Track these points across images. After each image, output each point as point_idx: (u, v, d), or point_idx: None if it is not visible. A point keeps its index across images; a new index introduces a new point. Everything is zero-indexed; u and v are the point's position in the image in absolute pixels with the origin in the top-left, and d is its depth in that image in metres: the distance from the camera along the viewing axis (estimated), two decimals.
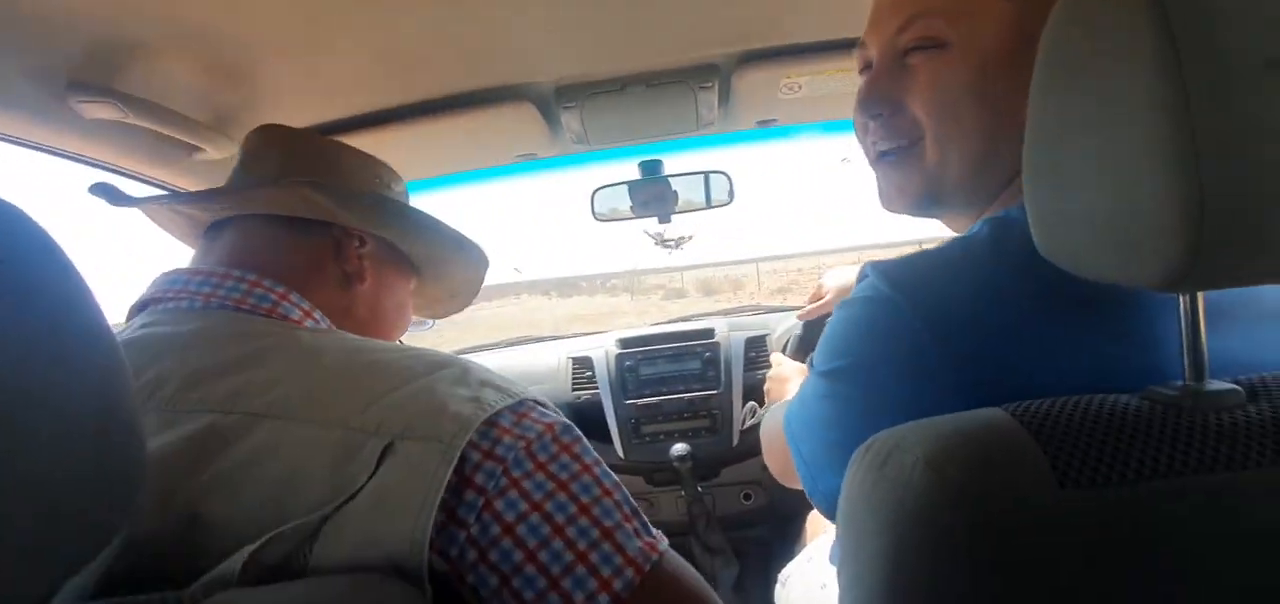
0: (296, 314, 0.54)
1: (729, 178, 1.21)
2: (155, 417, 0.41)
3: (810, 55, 0.93)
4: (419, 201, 0.76)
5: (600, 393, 1.49)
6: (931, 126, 0.51)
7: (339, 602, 0.34)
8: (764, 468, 1.57)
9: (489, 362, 1.66)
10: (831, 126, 1.16)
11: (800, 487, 0.56)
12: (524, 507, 0.40)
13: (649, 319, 1.61)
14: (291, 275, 0.55)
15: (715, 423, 1.48)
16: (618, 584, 0.40)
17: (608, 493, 0.43)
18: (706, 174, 1.23)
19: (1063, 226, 0.38)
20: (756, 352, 1.53)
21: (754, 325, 1.60)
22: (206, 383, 0.42)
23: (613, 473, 0.45)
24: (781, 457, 0.65)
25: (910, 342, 0.44)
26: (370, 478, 0.37)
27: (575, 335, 1.76)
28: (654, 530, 0.45)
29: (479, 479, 0.39)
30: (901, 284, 0.45)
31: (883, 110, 0.54)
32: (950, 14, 0.49)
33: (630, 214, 1.26)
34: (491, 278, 0.79)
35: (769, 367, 1.52)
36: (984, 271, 0.45)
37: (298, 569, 0.36)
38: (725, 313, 1.79)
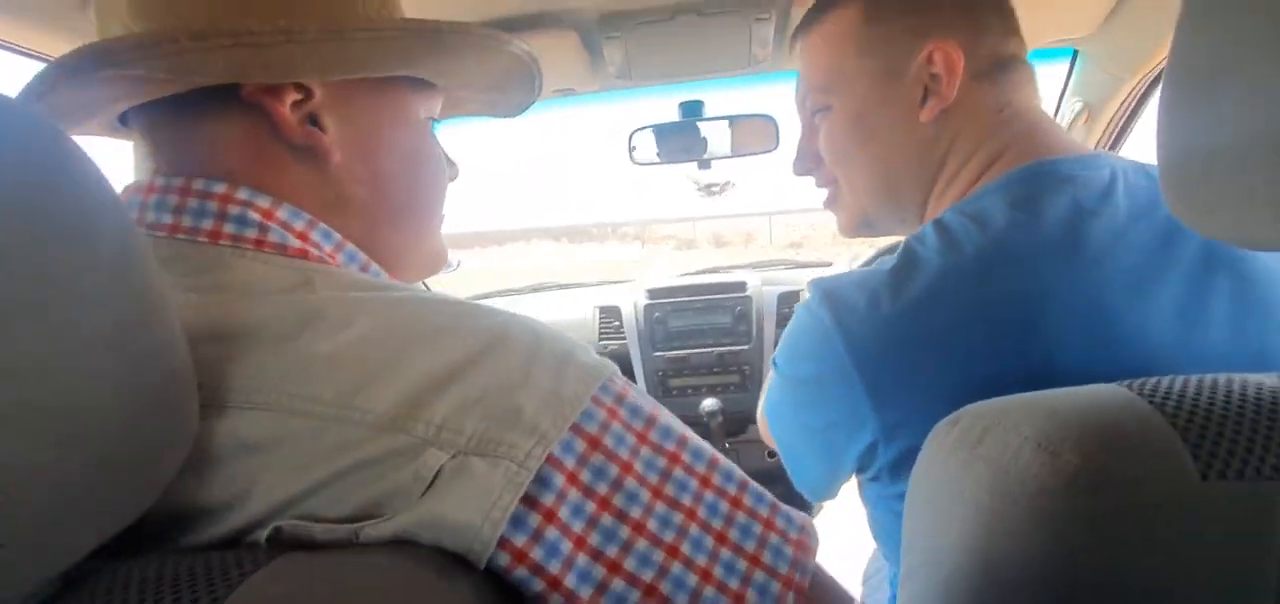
0: (294, 241, 0.40)
1: (776, 123, 1.14)
2: None
3: None
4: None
5: (628, 343, 1.46)
6: (839, 172, 0.63)
7: (397, 584, 0.30)
8: None
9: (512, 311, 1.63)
10: None
11: None
12: (591, 509, 0.33)
13: (660, 267, 1.58)
14: (245, 173, 0.40)
15: (744, 379, 1.45)
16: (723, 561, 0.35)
17: (674, 458, 0.36)
18: (751, 117, 1.16)
19: (1198, 187, 0.32)
20: (789, 308, 1.48)
21: (788, 280, 1.55)
22: (239, 364, 0.33)
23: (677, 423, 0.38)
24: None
25: (834, 359, 0.48)
26: (425, 492, 0.31)
27: (601, 283, 1.72)
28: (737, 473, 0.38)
29: (546, 495, 0.32)
30: (828, 302, 0.49)
31: (809, 166, 0.66)
32: (824, 85, 0.60)
33: (668, 158, 1.20)
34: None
35: None
36: (892, 297, 0.48)
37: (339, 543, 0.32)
38: (758, 266, 1.74)
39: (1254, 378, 0.35)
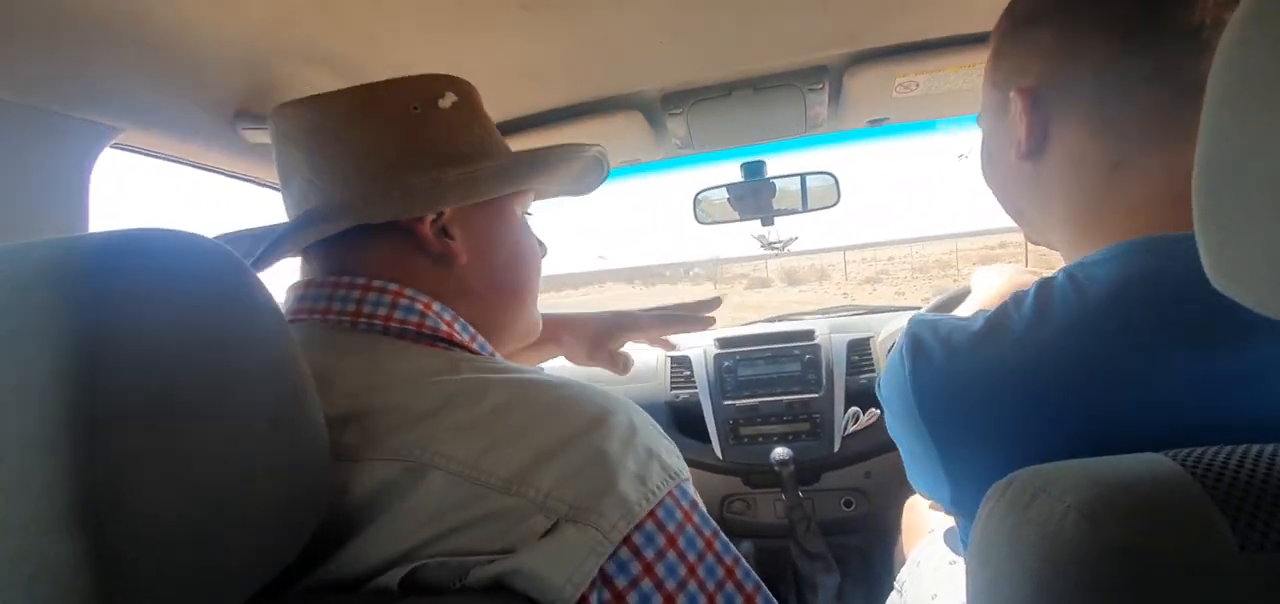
0: (444, 328, 0.50)
1: (835, 178, 1.17)
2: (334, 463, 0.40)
3: (925, 53, 0.88)
4: None
5: (699, 392, 1.49)
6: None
7: None
8: (866, 475, 1.53)
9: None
10: (948, 123, 1.10)
11: None
12: (659, 601, 0.38)
13: (732, 307, 1.58)
14: (407, 279, 0.51)
15: (815, 427, 1.44)
16: None
17: (730, 572, 0.42)
18: (812, 175, 1.20)
19: (1240, 262, 0.32)
20: (860, 355, 1.48)
21: (857, 326, 1.55)
22: (396, 430, 0.41)
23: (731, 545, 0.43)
24: None
25: (907, 409, 0.49)
26: (524, 549, 0.37)
27: None
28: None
29: (617, 573, 0.38)
30: (912, 347, 0.49)
31: None
32: (981, 110, 0.60)
33: (732, 217, 1.25)
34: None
35: (872, 371, 1.48)
36: (987, 351, 0.47)
37: (448, 587, 0.38)
38: (826, 312, 1.75)
39: None
